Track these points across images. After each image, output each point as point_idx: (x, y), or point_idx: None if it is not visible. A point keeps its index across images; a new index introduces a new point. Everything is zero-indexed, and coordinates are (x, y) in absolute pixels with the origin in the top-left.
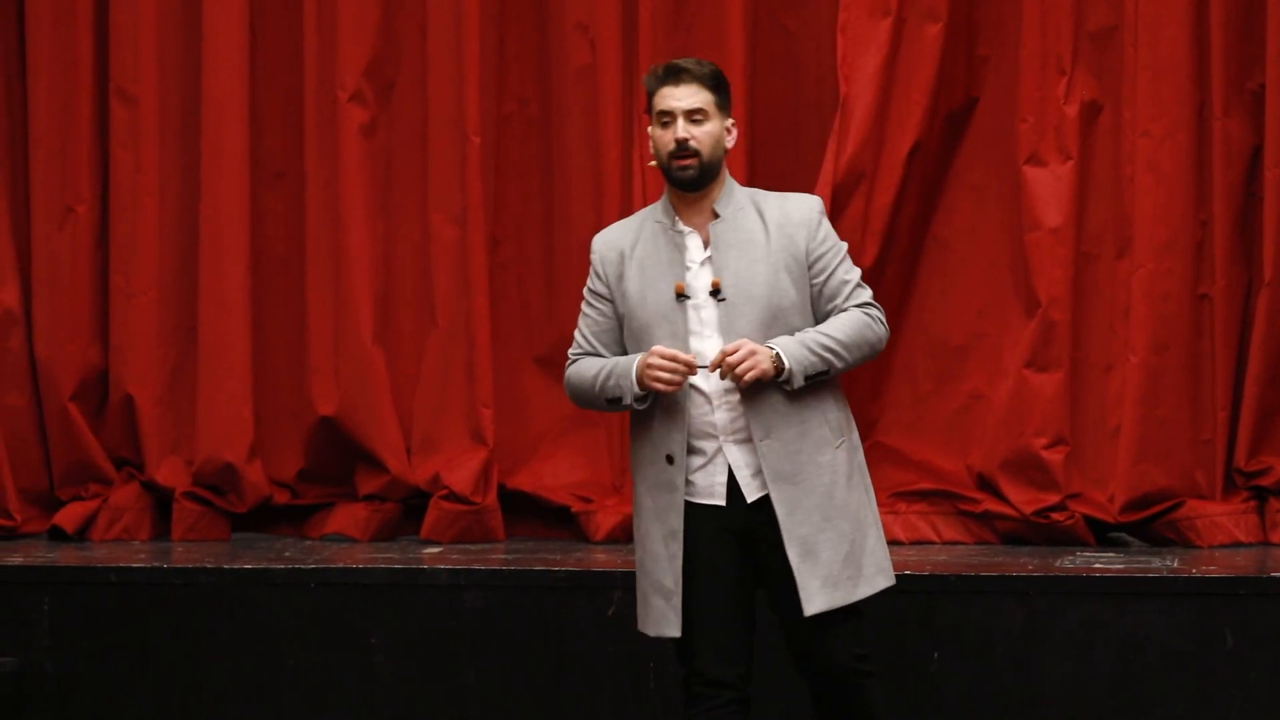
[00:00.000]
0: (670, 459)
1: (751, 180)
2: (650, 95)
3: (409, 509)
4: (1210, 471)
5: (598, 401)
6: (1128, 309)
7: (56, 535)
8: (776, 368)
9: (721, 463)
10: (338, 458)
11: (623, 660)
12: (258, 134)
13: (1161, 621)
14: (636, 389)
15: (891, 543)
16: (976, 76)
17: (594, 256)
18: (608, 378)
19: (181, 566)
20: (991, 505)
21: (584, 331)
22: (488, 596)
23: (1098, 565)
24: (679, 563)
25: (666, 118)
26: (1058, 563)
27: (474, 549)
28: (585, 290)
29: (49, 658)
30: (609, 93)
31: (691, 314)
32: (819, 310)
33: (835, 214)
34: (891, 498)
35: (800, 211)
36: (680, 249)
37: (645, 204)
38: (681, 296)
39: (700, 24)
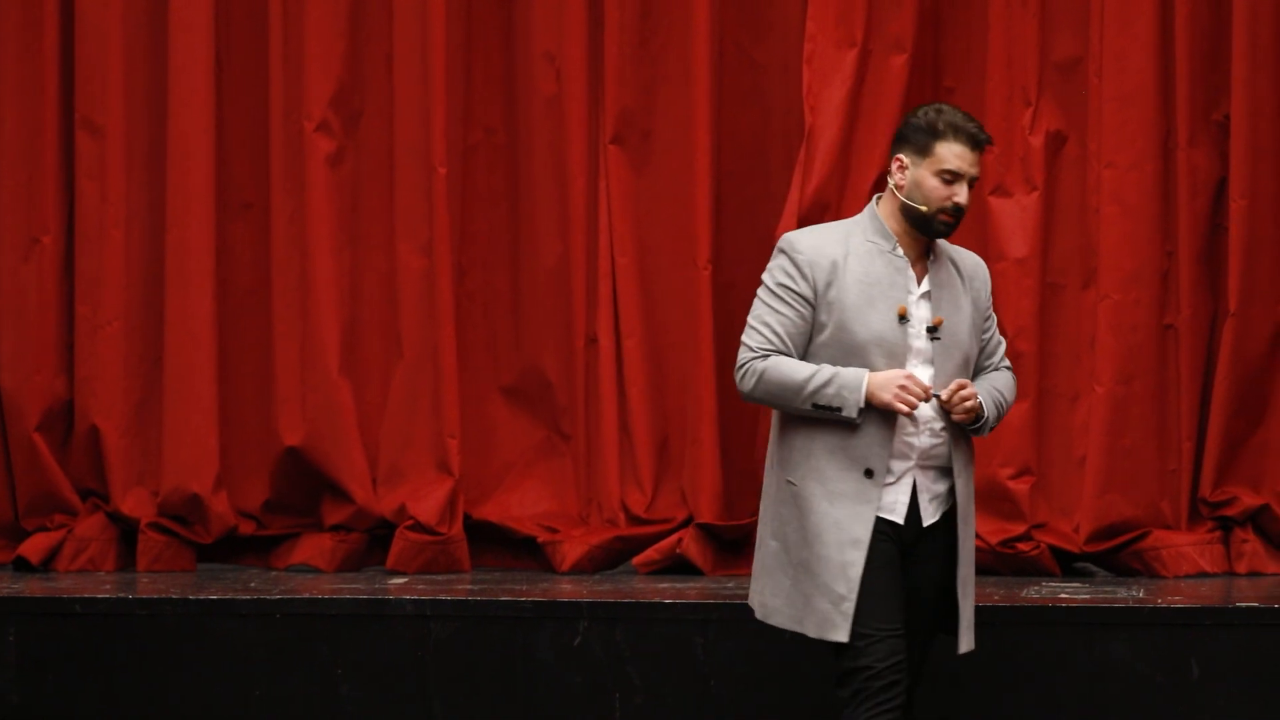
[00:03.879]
0: (870, 473)
1: (718, 210)
2: (934, 138)
3: (375, 539)
4: (1176, 502)
5: (797, 401)
6: (1093, 339)
7: (21, 566)
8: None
9: (908, 484)
10: (304, 488)
11: (589, 691)
12: (224, 165)
13: (1127, 652)
14: (863, 404)
15: None
16: None
17: (799, 256)
18: (826, 385)
19: (147, 597)
20: None
21: (776, 329)
22: (454, 627)
23: (1063, 595)
24: (857, 570)
25: (950, 176)
26: (1023, 593)
27: (440, 579)
28: (776, 285)
29: (14, 689)
30: (575, 122)
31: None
32: (979, 364)
33: None
34: None
35: (983, 270)
36: (903, 274)
37: (611, 233)
38: (903, 319)
39: (667, 55)
